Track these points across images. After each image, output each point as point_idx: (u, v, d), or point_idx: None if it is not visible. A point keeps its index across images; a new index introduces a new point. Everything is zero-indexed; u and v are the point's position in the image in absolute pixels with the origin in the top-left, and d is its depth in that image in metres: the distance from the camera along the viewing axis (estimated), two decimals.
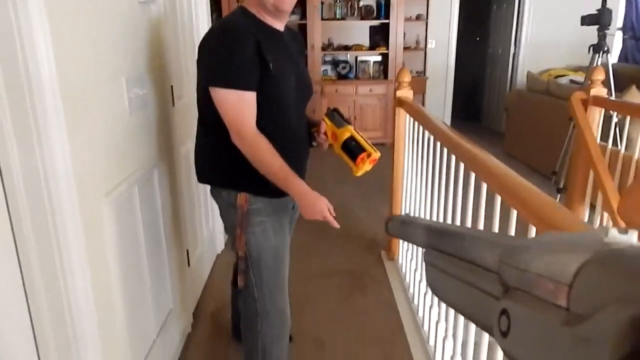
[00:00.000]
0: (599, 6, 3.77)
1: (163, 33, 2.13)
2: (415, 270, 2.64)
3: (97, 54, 1.49)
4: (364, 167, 1.69)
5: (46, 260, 1.26)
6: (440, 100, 7.06)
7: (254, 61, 1.50)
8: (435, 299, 2.27)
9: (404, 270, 2.93)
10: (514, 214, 1.31)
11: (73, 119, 1.30)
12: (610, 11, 3.79)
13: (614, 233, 0.23)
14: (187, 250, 2.47)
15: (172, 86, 2.25)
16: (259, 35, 1.52)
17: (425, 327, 2.38)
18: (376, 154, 1.71)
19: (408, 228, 0.44)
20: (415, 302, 2.59)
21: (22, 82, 1.14)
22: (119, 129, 1.64)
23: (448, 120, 6.97)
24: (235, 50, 1.48)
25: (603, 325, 0.18)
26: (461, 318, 2.00)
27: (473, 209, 1.76)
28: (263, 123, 1.55)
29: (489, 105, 7.81)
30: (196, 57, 1.59)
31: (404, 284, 2.86)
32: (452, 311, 2.07)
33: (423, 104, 6.79)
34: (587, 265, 0.21)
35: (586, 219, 2.89)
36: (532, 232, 1.19)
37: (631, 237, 0.23)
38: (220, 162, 1.65)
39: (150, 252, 1.92)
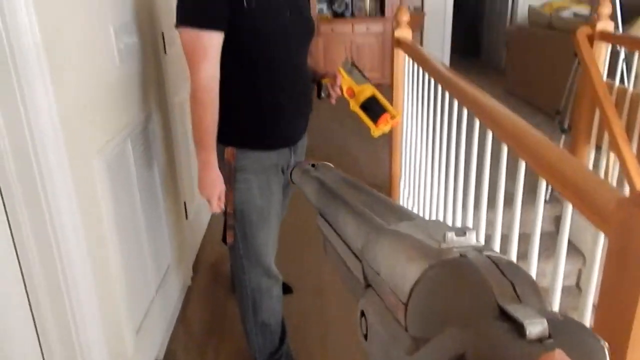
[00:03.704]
0: None
1: None
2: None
3: (81, 1, 1.39)
4: (384, 128, 1.66)
5: (37, 224, 1.21)
6: (439, 36, 6.82)
7: None
8: None
9: None
10: (522, 165, 1.26)
11: (58, 72, 1.22)
12: None
13: (451, 237, 0.22)
14: (185, 203, 2.44)
15: (162, 33, 2.14)
16: None
17: None
18: (399, 117, 1.70)
19: (306, 181, 0.39)
20: None
21: (0, 34, 1.07)
22: (108, 81, 1.56)
23: (447, 57, 6.77)
24: None
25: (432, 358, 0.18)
26: None
27: (478, 154, 1.71)
28: (247, 63, 1.47)
29: (488, 41, 7.60)
30: None
31: None
32: None
33: (421, 41, 6.59)
34: (418, 285, 0.21)
35: (591, 161, 2.83)
36: (543, 185, 1.15)
37: (469, 239, 0.22)
38: None
39: (147, 207, 1.88)
